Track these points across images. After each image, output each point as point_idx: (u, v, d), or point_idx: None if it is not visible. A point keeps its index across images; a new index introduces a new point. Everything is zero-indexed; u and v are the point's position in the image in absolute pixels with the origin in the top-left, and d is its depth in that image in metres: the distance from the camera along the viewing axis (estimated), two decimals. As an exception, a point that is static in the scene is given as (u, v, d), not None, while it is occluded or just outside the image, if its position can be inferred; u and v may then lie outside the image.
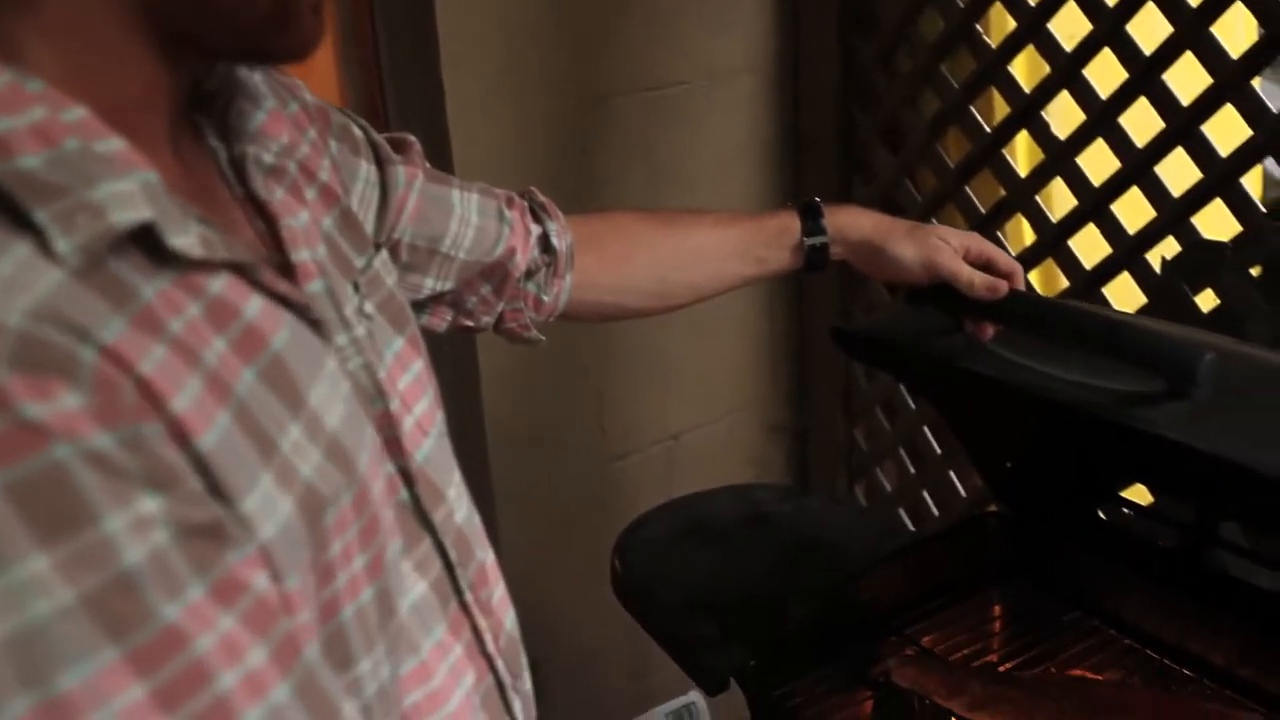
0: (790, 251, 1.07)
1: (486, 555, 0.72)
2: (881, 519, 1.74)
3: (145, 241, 0.47)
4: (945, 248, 1.04)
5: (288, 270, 0.59)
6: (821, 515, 1.42)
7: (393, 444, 0.63)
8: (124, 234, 0.46)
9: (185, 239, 0.49)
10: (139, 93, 0.53)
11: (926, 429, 1.84)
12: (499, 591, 0.72)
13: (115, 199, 0.46)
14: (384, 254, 0.74)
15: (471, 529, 0.70)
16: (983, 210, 1.65)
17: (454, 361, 1.68)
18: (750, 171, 1.86)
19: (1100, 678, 1.12)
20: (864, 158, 1.81)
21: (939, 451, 1.82)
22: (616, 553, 1.36)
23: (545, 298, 1.00)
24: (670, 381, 1.87)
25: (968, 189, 1.67)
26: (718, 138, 1.81)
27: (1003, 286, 1.03)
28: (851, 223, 1.07)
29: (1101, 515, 1.23)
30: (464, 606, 0.66)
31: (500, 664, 0.69)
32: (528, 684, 0.74)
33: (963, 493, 1.78)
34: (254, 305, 0.53)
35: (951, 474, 1.81)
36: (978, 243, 1.07)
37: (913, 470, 1.89)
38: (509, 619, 0.73)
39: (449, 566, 0.65)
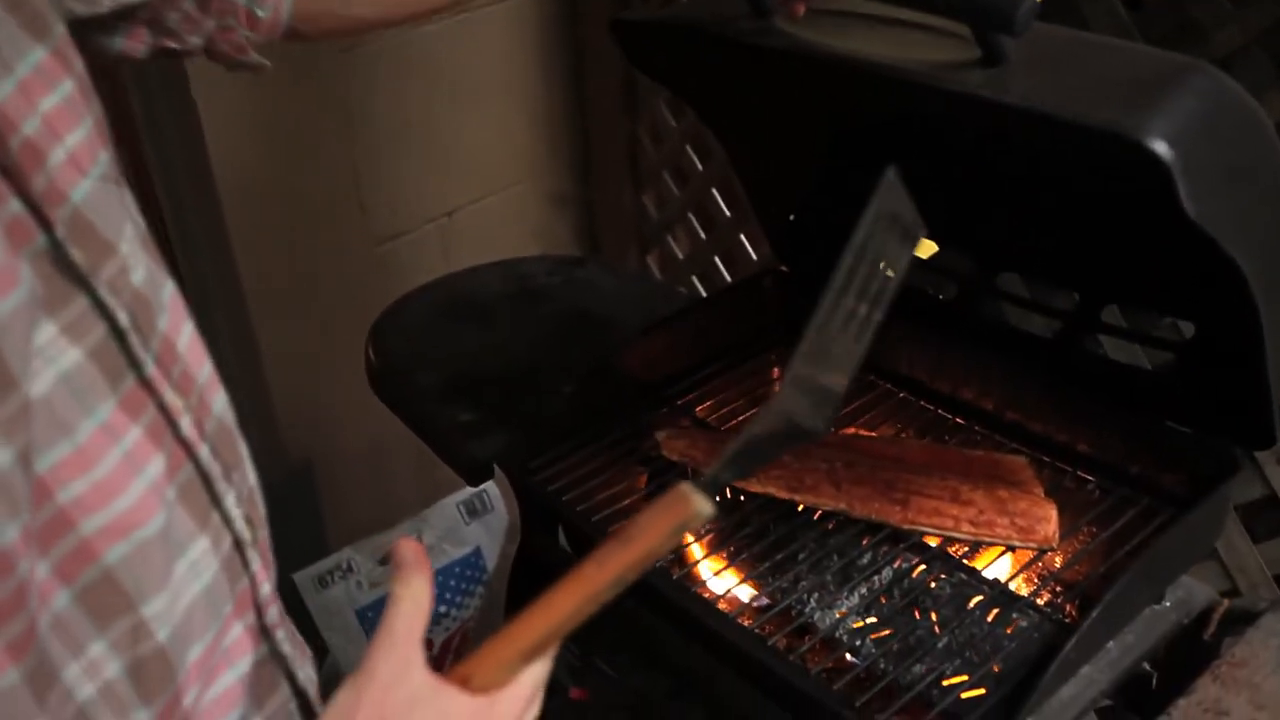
0: None
1: (180, 328, 0.59)
2: (659, 287, 1.65)
3: None
4: None
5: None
6: (595, 286, 1.31)
7: (22, 177, 0.49)
8: None
9: None
10: None
11: (715, 192, 1.74)
12: (203, 371, 0.60)
13: None
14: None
15: (155, 293, 0.57)
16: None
17: (180, 137, 1.45)
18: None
19: (873, 434, 1.08)
20: None
21: (729, 215, 1.74)
22: (370, 339, 1.23)
23: (260, 12, 0.88)
24: (438, 154, 1.69)
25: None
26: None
27: None
28: None
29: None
30: (145, 383, 0.55)
31: (204, 451, 0.58)
32: (251, 477, 0.63)
33: (754, 257, 1.72)
34: None
35: (743, 238, 1.73)
36: None
37: (704, 236, 1.81)
38: (218, 401, 0.61)
39: (119, 335, 0.53)
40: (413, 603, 0.56)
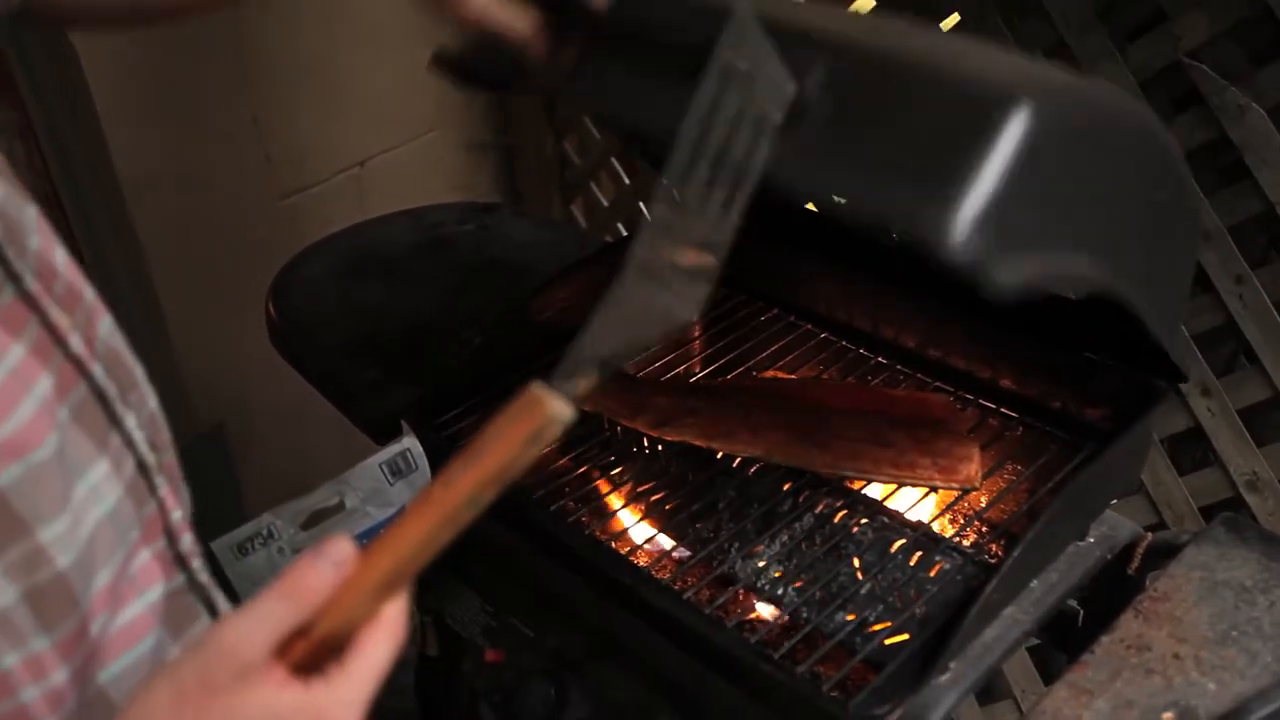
0: None
1: (53, 249, 0.56)
2: (575, 233, 1.61)
3: None
4: None
5: None
6: (508, 234, 1.26)
7: None
8: None
9: None
10: None
11: (638, 134, 1.69)
12: (87, 291, 0.58)
13: None
14: None
15: (19, 213, 0.54)
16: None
17: (64, 97, 1.37)
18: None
19: (792, 376, 1.05)
20: None
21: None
22: (270, 295, 1.17)
23: None
24: (345, 101, 1.62)
25: None
26: None
27: None
28: None
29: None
30: (26, 297, 0.52)
31: (98, 370, 0.55)
32: (151, 401, 0.60)
33: (679, 201, 1.67)
34: None
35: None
36: None
37: (628, 181, 1.76)
38: (104, 323, 0.58)
39: None
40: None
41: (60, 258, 0.56)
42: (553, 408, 0.43)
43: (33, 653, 0.50)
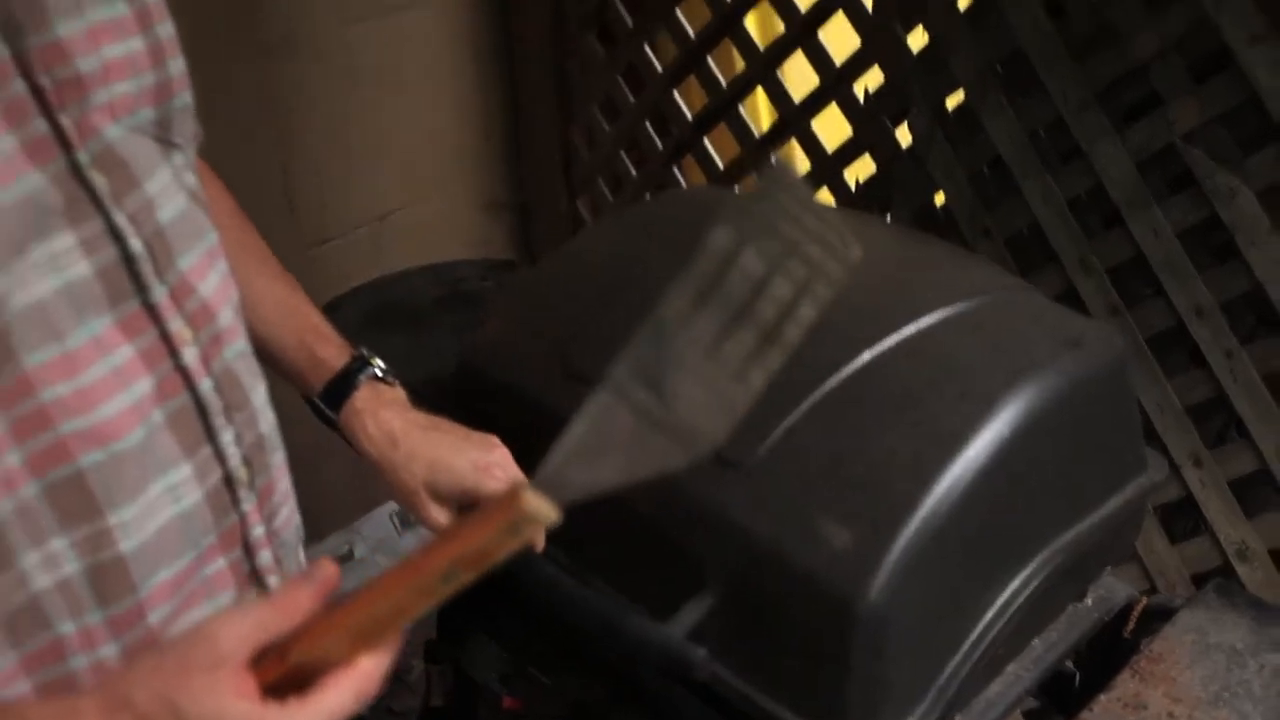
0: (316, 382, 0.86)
1: (208, 273, 0.62)
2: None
3: None
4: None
5: None
6: (527, 290, 1.30)
7: (50, 105, 0.54)
8: None
9: None
10: None
11: (649, 196, 1.75)
12: (224, 314, 0.63)
13: None
14: None
15: (179, 232, 0.60)
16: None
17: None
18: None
19: None
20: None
21: (662, 220, 1.74)
22: (296, 346, 1.21)
23: None
24: (370, 156, 1.67)
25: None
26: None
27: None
28: (367, 430, 0.84)
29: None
30: (150, 308, 0.58)
31: (205, 385, 0.60)
32: (263, 425, 0.66)
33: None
34: None
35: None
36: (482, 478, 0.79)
37: (638, 241, 1.81)
38: (234, 346, 0.64)
39: (129, 260, 0.57)
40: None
41: (211, 282, 0.62)
42: (530, 505, 0.43)
43: (87, 625, 0.55)
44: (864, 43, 1.38)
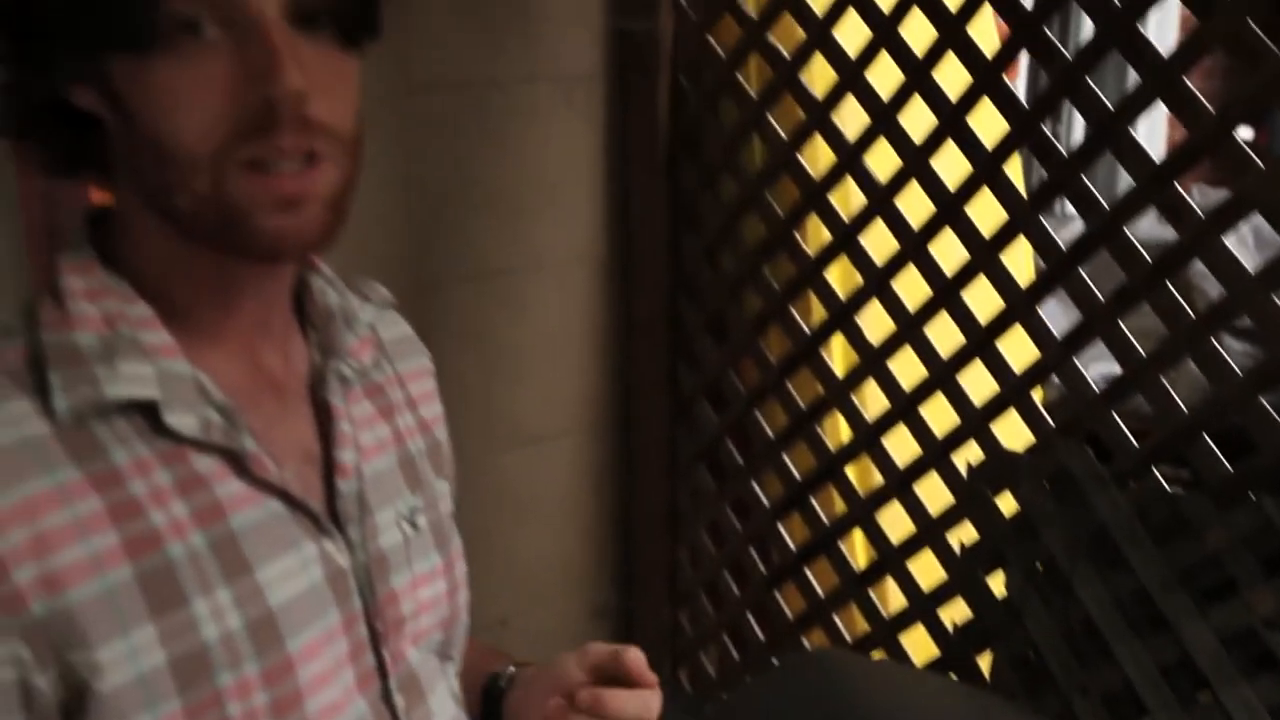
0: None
1: (417, 591, 0.74)
2: (686, 699, 1.73)
3: (151, 415, 0.61)
4: None
5: (331, 465, 0.70)
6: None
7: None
8: (115, 405, 0.60)
9: (183, 419, 0.61)
10: (211, 298, 0.66)
11: (749, 615, 1.86)
12: (418, 621, 0.75)
13: (120, 377, 0.60)
14: (448, 486, 0.84)
15: (403, 560, 0.73)
16: (802, 405, 1.72)
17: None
18: (581, 357, 1.89)
19: None
20: (689, 346, 1.88)
21: (762, 638, 1.84)
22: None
23: None
24: (499, 564, 1.83)
25: (788, 384, 1.74)
26: (551, 323, 1.84)
27: None
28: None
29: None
30: (366, 612, 0.69)
31: (393, 683, 0.71)
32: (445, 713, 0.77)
33: (784, 679, 1.80)
34: (231, 485, 0.64)
35: (775, 662, 1.83)
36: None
37: (736, 656, 1.90)
38: (414, 654, 0.74)
39: (357, 573, 0.69)
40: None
41: (415, 598, 0.73)
42: None
43: (243, 675, 0.62)
44: (957, 501, 1.55)
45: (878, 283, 1.59)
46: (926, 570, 1.61)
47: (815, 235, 1.71)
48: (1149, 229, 1.91)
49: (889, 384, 1.62)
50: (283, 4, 0.58)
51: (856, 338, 1.65)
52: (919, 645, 1.64)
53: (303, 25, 0.58)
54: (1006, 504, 1.49)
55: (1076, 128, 3.88)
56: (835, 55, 1.58)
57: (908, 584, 1.64)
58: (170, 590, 0.59)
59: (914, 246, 1.54)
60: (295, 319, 0.73)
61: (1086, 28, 3.93)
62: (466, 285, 1.71)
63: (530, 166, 1.75)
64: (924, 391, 1.57)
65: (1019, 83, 3.49)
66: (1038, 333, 1.45)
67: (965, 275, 1.50)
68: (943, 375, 1.54)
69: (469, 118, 1.67)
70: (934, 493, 1.58)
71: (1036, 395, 1.49)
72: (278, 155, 0.59)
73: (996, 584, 1.51)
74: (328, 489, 0.69)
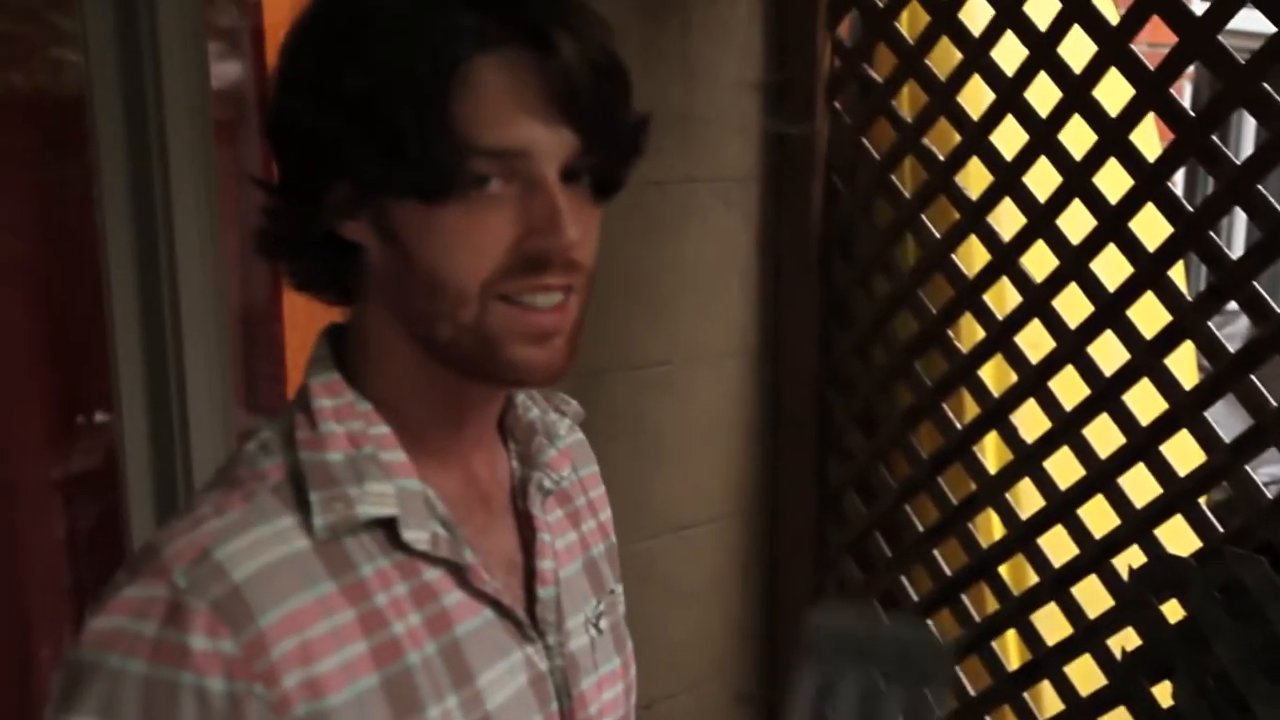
0: None
1: (601, 693, 0.78)
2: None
3: (389, 530, 0.66)
4: None
5: (531, 573, 0.75)
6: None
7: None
8: (363, 522, 0.65)
9: (417, 534, 0.67)
10: (443, 417, 0.72)
11: (897, 710, 1.84)
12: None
13: (369, 496, 0.66)
14: (621, 588, 0.90)
15: (591, 662, 0.78)
16: (954, 501, 1.72)
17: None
18: (731, 447, 1.93)
19: None
20: (839, 439, 1.90)
21: (909, 735, 1.82)
22: None
23: None
24: (646, 649, 1.86)
25: (939, 479, 1.74)
26: (702, 413, 1.89)
27: None
28: None
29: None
30: (563, 713, 0.74)
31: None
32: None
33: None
34: (455, 596, 0.69)
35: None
36: None
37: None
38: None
39: (554, 675, 0.74)
40: None
41: (599, 701, 0.78)
42: None
43: None
44: (1117, 604, 1.52)
45: (1033, 380, 1.59)
46: (1085, 676, 1.58)
47: (969, 333, 1.72)
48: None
49: (1044, 483, 1.61)
50: (561, 167, 0.65)
51: (1010, 435, 1.64)
52: (1077, 752, 1.60)
53: (568, 181, 0.66)
54: (1170, 610, 1.46)
55: (1239, 228, 3.78)
56: (990, 157, 1.62)
57: (1064, 688, 1.60)
58: (410, 697, 0.64)
59: (1071, 347, 1.54)
60: (498, 431, 0.79)
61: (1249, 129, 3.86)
62: (622, 375, 1.78)
63: (688, 263, 1.82)
64: (1082, 492, 1.55)
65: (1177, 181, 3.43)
66: (1205, 436, 1.43)
67: (1126, 376, 1.49)
68: (1102, 476, 1.53)
69: (629, 216, 1.75)
70: (1092, 596, 1.56)
71: (1202, 500, 1.46)
72: (544, 291, 0.65)
73: (1158, 693, 1.47)
74: (528, 595, 0.75)
